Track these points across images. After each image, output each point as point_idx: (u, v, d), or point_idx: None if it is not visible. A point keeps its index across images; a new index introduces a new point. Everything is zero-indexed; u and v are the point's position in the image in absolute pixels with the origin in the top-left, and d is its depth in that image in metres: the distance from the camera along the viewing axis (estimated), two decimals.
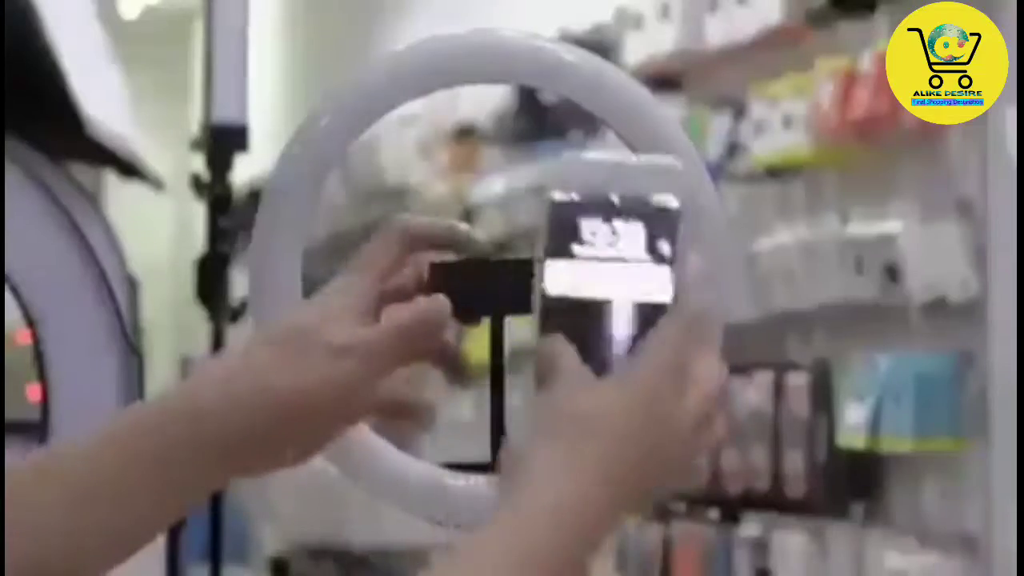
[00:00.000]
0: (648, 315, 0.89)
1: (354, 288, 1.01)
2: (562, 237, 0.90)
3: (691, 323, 0.91)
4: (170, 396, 1.01)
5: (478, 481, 1.05)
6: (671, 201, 0.90)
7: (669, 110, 1.05)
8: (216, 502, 2.82)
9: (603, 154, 0.92)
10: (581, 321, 0.89)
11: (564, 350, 0.90)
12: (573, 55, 1.01)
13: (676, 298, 0.90)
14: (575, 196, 0.90)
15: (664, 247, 0.90)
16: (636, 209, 0.90)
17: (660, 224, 0.90)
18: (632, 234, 0.90)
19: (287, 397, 0.97)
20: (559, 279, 0.90)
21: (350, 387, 0.97)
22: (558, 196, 0.90)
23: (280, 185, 1.03)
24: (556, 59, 1.01)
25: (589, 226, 0.90)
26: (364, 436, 1.05)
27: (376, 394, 0.99)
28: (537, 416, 0.90)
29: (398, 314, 0.99)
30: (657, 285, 0.90)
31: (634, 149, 1.02)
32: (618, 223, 0.90)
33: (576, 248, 0.90)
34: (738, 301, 3.91)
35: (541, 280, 0.90)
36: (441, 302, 1.00)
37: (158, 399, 1.01)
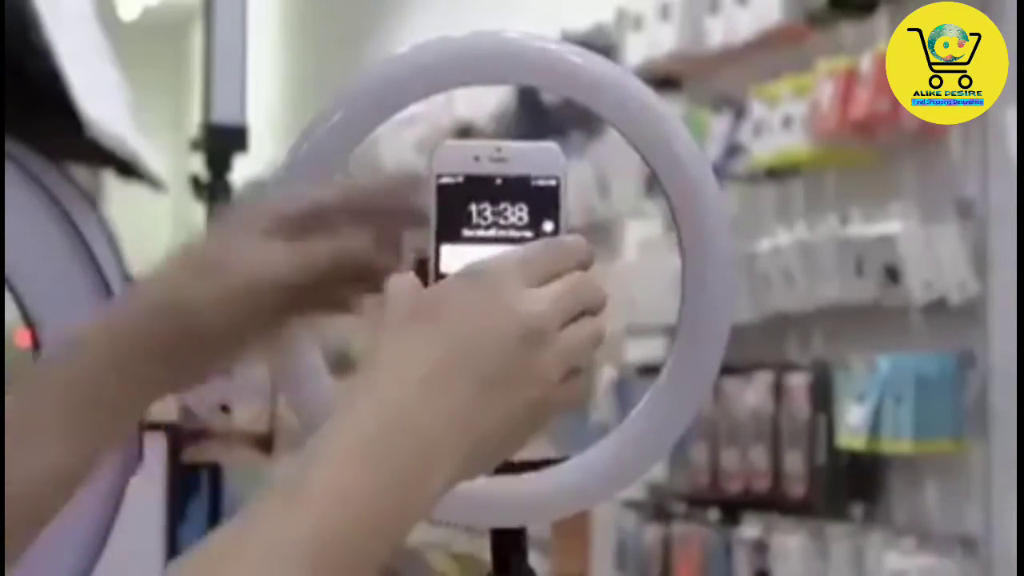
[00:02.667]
0: None
1: (260, 208, 1.03)
2: (451, 220, 0.94)
3: (557, 247, 0.93)
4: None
5: (478, 480, 1.04)
6: (550, 180, 0.95)
7: (671, 107, 1.05)
8: (215, 500, 2.82)
9: (482, 140, 0.96)
10: None
11: (403, 276, 0.93)
12: (579, 56, 1.01)
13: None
14: (460, 178, 0.94)
15: (547, 225, 0.94)
16: (519, 190, 0.94)
17: (542, 203, 0.94)
18: (517, 213, 0.94)
19: (186, 314, 1.01)
20: (452, 261, 0.93)
21: (235, 304, 1.00)
22: (445, 179, 0.94)
23: (287, 186, 1.02)
24: (562, 60, 1.01)
25: (476, 208, 0.94)
26: None
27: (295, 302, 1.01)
28: (377, 322, 0.93)
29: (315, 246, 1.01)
30: None
31: (638, 149, 1.02)
32: (503, 203, 0.94)
33: (465, 231, 0.94)
34: (738, 301, 3.91)
35: (436, 262, 0.93)
36: (360, 242, 1.01)
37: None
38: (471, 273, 0.91)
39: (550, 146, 0.96)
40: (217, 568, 0.84)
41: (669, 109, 1.04)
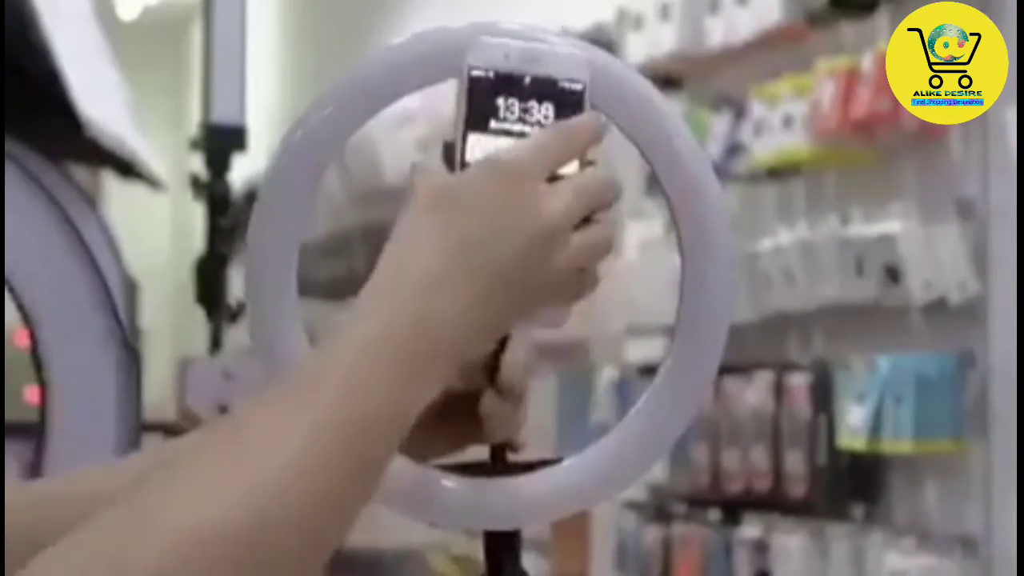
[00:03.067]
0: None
1: None
2: (480, 111, 0.98)
3: (567, 130, 0.97)
4: None
5: (474, 482, 1.03)
6: (576, 84, 0.99)
7: (673, 104, 1.05)
8: None
9: (519, 37, 1.00)
10: None
11: (430, 160, 0.96)
12: (578, 48, 1.01)
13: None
14: (491, 73, 0.98)
15: None
16: (546, 89, 0.98)
17: (566, 104, 0.98)
18: (542, 112, 0.98)
19: None
20: (476, 150, 0.97)
21: None
22: (477, 72, 0.98)
23: (280, 174, 1.01)
24: (561, 53, 1.00)
25: (504, 103, 0.98)
26: None
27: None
28: (403, 202, 0.95)
29: None
30: None
31: (637, 145, 1.02)
32: (530, 102, 0.98)
33: (492, 123, 0.97)
34: (736, 302, 3.91)
35: (462, 150, 0.97)
36: None
37: None
38: (491, 164, 0.94)
39: (578, 55, 0.99)
40: (231, 451, 0.85)
41: (670, 105, 1.03)
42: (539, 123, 0.97)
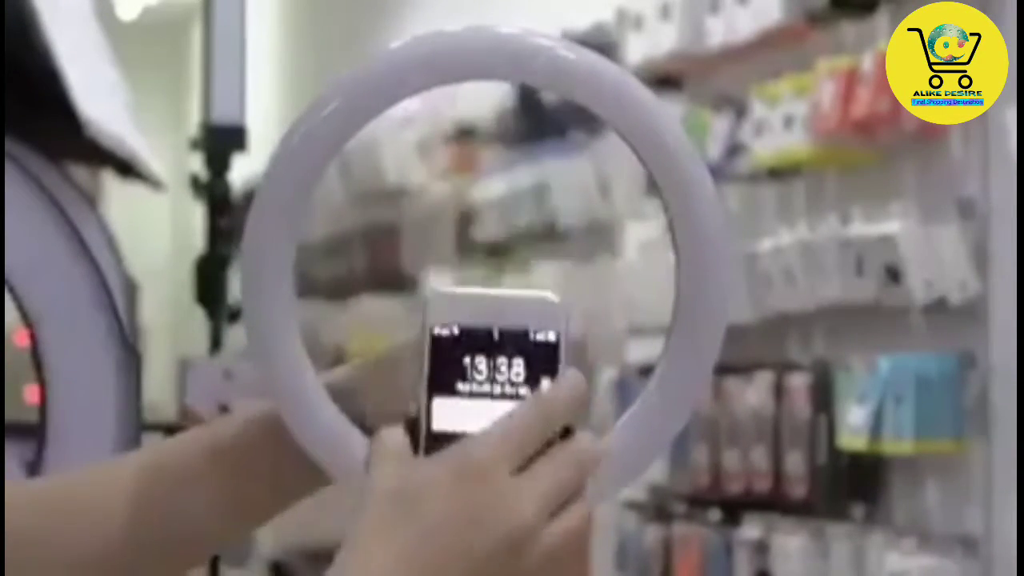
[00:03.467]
0: None
1: None
2: (446, 373, 0.90)
3: (538, 410, 0.89)
4: None
5: None
6: (550, 335, 0.91)
7: (671, 108, 1.05)
8: None
9: (479, 289, 0.92)
10: None
11: (392, 433, 0.89)
12: (573, 52, 1.00)
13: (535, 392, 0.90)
14: (455, 331, 0.90)
15: (545, 382, 0.91)
16: (517, 343, 0.90)
17: (540, 358, 0.90)
18: (513, 368, 0.90)
19: None
20: (444, 415, 0.90)
21: None
22: (438, 330, 0.90)
23: (277, 176, 1.00)
24: (558, 57, 0.99)
25: (471, 361, 0.90)
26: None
27: None
28: (363, 491, 0.89)
29: None
30: None
31: (632, 146, 1.01)
32: (500, 358, 0.90)
33: (460, 385, 0.90)
34: (736, 302, 3.91)
35: (427, 418, 0.90)
36: None
37: None
38: (453, 462, 0.87)
39: (550, 298, 0.92)
40: None
41: (664, 106, 1.02)
42: (510, 382, 0.90)
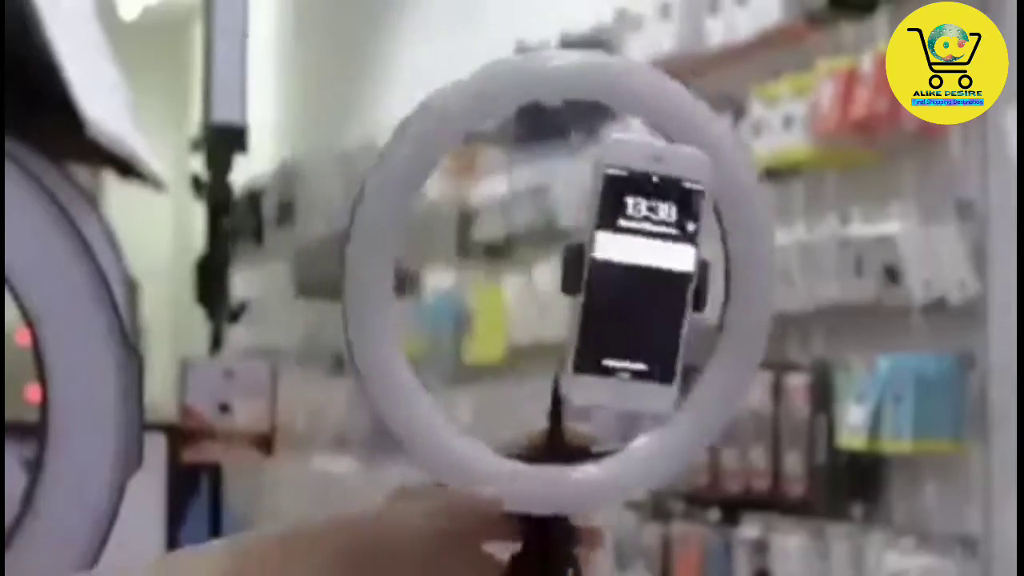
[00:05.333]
0: (672, 282, 1.01)
1: None
2: (611, 209, 1.01)
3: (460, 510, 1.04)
4: None
5: (531, 468, 1.08)
6: (697, 185, 1.02)
7: (724, 124, 1.12)
8: (216, 502, 2.82)
9: (646, 138, 1.04)
10: (619, 284, 1.00)
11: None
12: (639, 75, 1.08)
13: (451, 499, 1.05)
14: (625, 172, 1.01)
15: (690, 225, 1.01)
16: (670, 189, 1.01)
17: (687, 204, 1.01)
18: (666, 211, 1.01)
19: None
20: (605, 247, 1.00)
21: None
22: (612, 171, 1.02)
23: (361, 223, 1.11)
24: (623, 78, 1.07)
25: (633, 201, 1.01)
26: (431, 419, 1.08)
27: None
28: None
29: None
30: (681, 258, 1.01)
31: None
32: (655, 200, 1.01)
33: (621, 221, 1.01)
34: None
35: (591, 247, 1.00)
36: None
37: None
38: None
39: (700, 154, 1.02)
40: None
41: (718, 118, 1.09)
42: (663, 222, 1.00)
